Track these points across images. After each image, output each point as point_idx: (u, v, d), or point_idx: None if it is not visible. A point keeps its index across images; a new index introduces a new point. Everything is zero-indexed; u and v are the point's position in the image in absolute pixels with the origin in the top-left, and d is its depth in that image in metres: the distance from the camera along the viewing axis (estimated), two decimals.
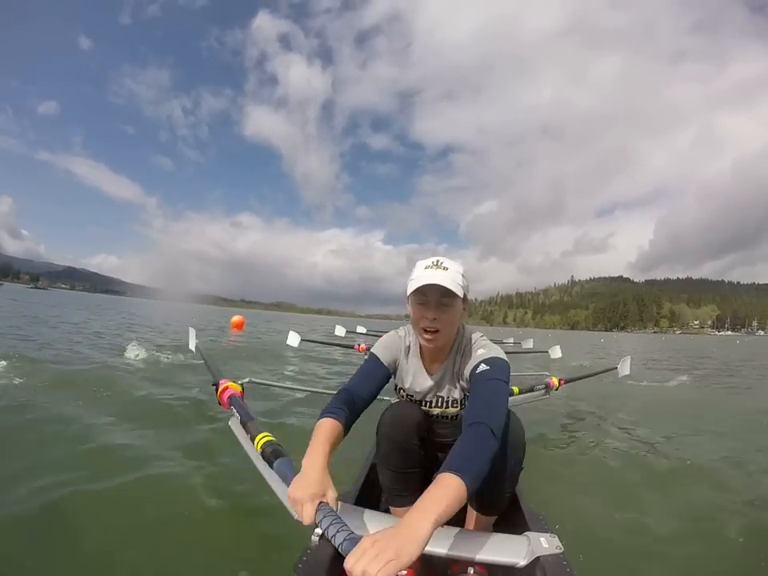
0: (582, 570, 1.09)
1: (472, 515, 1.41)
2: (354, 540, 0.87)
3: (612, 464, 3.02)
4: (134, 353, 6.24)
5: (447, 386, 1.44)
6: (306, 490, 1.02)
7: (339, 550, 0.90)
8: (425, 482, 1.35)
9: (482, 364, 1.25)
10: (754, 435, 3.88)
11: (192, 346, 4.11)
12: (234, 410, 1.84)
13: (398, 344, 1.49)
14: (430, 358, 1.45)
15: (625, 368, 5.00)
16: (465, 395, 1.40)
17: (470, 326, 1.48)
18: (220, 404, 2.03)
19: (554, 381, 3.51)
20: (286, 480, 1.16)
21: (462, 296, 1.28)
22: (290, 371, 6.65)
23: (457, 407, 1.43)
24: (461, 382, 1.39)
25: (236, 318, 16.89)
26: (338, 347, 8.18)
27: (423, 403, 1.48)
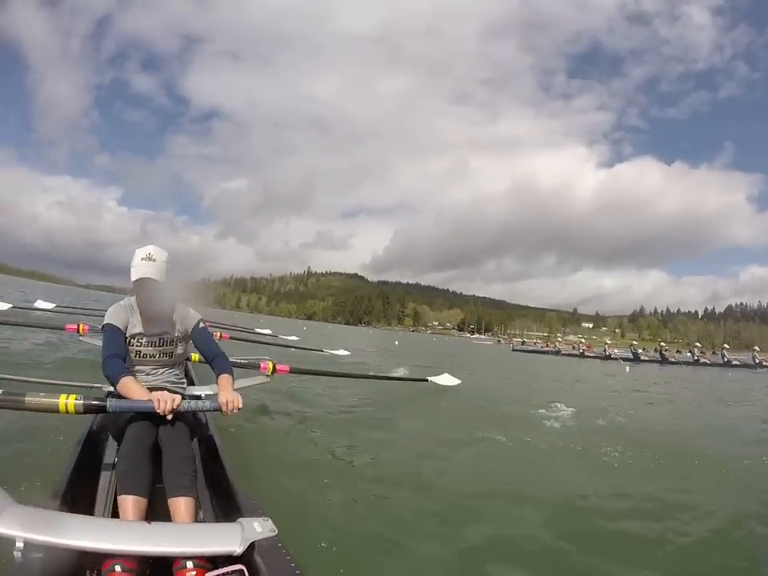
0: (299, 549, 1.26)
1: (176, 503, 1.53)
2: (215, 399, 1.68)
3: (324, 447, 3.53)
4: None
5: (165, 333, 2.08)
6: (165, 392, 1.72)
7: (205, 407, 1.85)
8: (155, 465, 1.67)
9: (201, 323, 2.16)
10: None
11: None
12: None
13: (125, 311, 2.05)
14: (145, 317, 2.06)
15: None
16: (176, 336, 2.11)
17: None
18: None
19: (269, 365, 3.63)
20: (130, 406, 1.68)
21: (165, 278, 1.97)
22: None
23: (173, 346, 2.12)
24: (176, 330, 2.11)
25: None
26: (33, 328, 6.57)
27: (152, 344, 2.06)
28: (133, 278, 1.94)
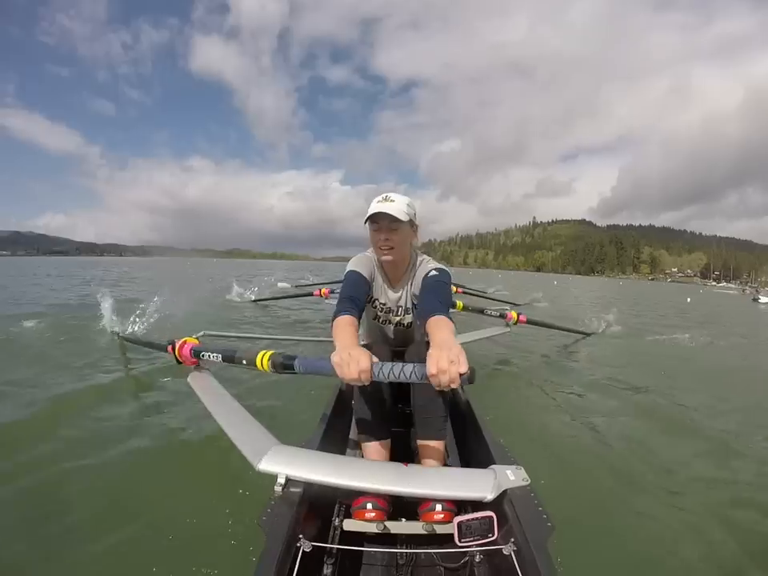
0: (549, 500, 1.15)
1: (425, 446, 1.50)
2: (422, 365, 1.13)
3: (576, 397, 3.27)
4: None
5: (404, 298, 1.85)
6: (358, 350, 1.18)
7: (412, 377, 1.15)
8: (393, 416, 1.63)
9: (433, 271, 1.68)
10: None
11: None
12: (207, 357, 1.82)
13: (369, 261, 1.80)
14: (392, 275, 1.83)
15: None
16: (414, 303, 1.83)
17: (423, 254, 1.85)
18: (181, 362, 2.00)
19: (513, 315, 3.79)
20: (316, 367, 1.31)
21: (407, 221, 1.64)
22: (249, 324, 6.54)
23: (410, 315, 1.87)
24: (412, 291, 1.81)
25: None
26: (294, 298, 8.46)
27: (390, 311, 1.87)
28: (366, 217, 1.64)
